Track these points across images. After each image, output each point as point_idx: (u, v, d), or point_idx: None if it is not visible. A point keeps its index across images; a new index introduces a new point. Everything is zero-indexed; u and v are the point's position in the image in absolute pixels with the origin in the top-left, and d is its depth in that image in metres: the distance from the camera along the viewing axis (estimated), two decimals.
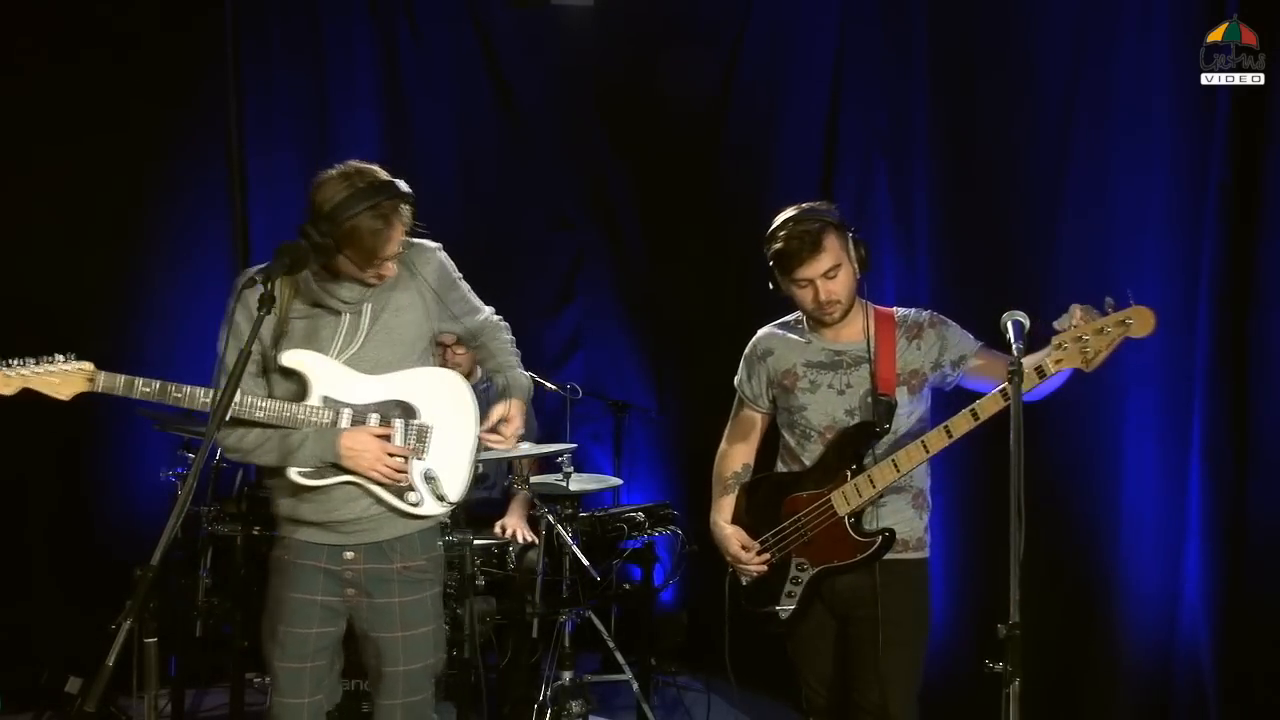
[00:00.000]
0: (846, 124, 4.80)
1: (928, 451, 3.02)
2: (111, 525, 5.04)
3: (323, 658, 3.04)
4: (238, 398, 2.80)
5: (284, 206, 5.28)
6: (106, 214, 4.98)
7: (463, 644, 4.09)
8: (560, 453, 4.45)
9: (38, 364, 2.79)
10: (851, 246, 3.15)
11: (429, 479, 3.02)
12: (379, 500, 2.98)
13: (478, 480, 4.81)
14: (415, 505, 3.00)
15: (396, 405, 3.01)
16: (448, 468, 3.06)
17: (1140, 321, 2.70)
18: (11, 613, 4.79)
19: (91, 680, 2.31)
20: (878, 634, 3.07)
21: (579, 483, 4.53)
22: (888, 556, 3.13)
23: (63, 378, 2.80)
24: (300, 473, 2.93)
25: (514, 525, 4.65)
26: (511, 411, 3.13)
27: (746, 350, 3.40)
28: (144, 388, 2.82)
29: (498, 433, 3.10)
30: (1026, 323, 2.69)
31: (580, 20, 5.88)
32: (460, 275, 3.17)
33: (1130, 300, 2.70)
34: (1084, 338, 2.71)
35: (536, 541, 4.44)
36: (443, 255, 3.12)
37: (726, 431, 3.48)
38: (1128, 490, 3.80)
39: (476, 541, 4.22)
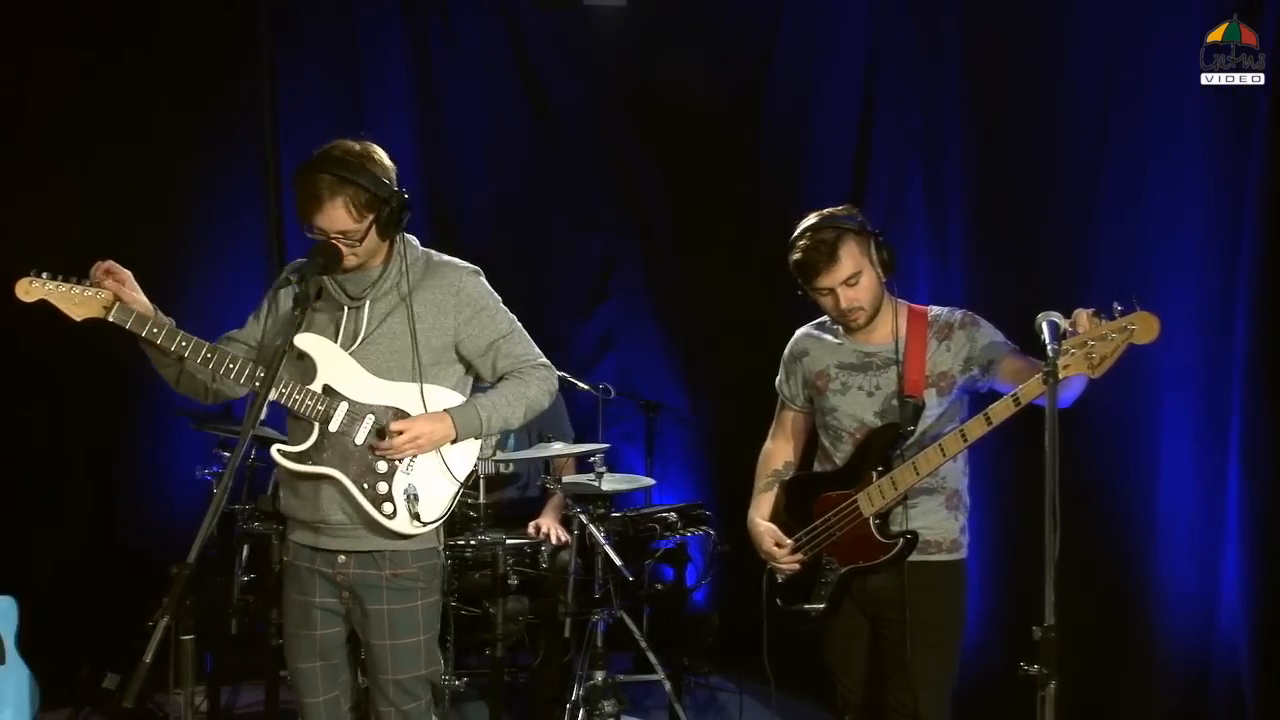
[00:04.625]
0: (879, 124, 4.79)
1: (945, 455, 2.99)
2: (148, 523, 5.07)
3: (333, 656, 3.04)
4: (241, 364, 2.87)
5: None
6: (143, 213, 5.00)
7: (495, 643, 4.11)
8: (593, 453, 4.45)
9: (64, 281, 2.81)
10: (874, 251, 3.12)
11: (409, 495, 2.94)
12: (357, 508, 2.93)
13: (510, 480, 4.86)
14: (389, 518, 2.92)
15: (397, 414, 2.94)
16: (431, 489, 2.97)
17: (1144, 327, 2.65)
18: (49, 610, 4.84)
19: (129, 677, 2.33)
20: (907, 636, 3.06)
21: (611, 483, 4.52)
22: (918, 558, 3.11)
23: (81, 300, 2.82)
24: (280, 451, 2.94)
25: (548, 525, 4.66)
26: (409, 423, 2.91)
27: (785, 351, 3.40)
28: (153, 329, 2.83)
29: (384, 442, 2.90)
30: (1062, 324, 2.66)
31: (612, 21, 5.87)
32: (495, 308, 3.04)
33: (1136, 306, 2.65)
34: (1089, 343, 2.67)
35: (569, 541, 4.45)
36: (470, 280, 3.01)
37: (771, 430, 3.49)
38: (1164, 491, 3.77)
39: (509, 541, 4.24)
